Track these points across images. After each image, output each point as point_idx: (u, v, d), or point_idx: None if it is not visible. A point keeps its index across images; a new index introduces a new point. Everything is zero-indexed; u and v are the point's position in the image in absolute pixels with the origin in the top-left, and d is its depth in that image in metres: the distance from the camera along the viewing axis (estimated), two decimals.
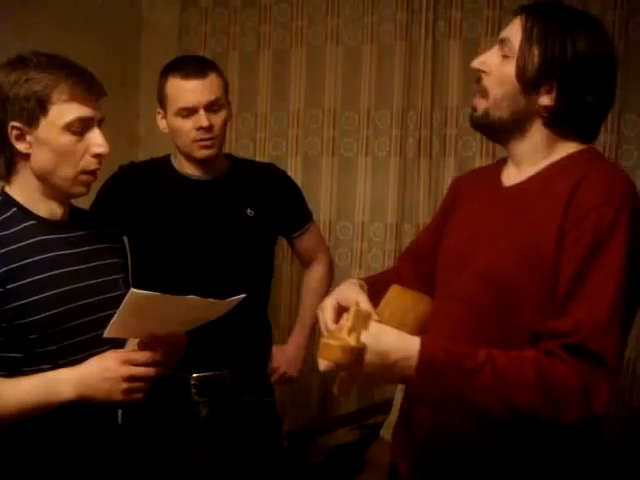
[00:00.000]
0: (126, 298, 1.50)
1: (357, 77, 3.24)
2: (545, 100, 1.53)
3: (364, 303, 1.61)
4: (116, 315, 1.55)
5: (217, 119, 2.31)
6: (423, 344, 1.38)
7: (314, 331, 2.61)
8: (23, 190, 1.72)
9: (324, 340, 1.34)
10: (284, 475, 2.67)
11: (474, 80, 1.64)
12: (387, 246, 3.22)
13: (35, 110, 1.63)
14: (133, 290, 1.49)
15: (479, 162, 2.99)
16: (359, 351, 1.32)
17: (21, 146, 1.67)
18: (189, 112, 2.27)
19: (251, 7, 3.38)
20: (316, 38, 3.29)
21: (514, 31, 1.56)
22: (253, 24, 3.38)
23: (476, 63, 1.61)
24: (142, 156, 3.38)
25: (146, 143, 3.50)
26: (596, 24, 1.58)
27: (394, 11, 3.14)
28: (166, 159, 2.46)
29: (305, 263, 2.70)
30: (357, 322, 1.34)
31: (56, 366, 1.66)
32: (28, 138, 1.66)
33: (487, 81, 1.58)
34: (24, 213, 1.71)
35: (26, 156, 1.68)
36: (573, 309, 1.39)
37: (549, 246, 1.45)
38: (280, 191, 2.52)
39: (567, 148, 1.58)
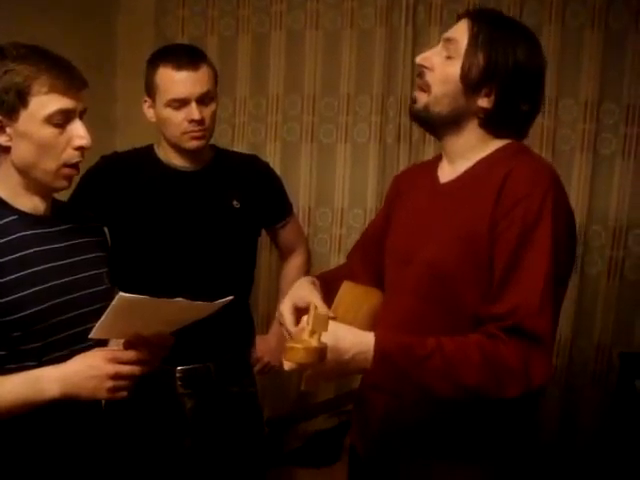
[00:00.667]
0: (114, 301, 1.48)
1: (337, 62, 3.22)
2: (484, 102, 1.65)
3: (318, 303, 1.73)
4: (103, 317, 1.53)
5: (208, 111, 2.29)
6: (377, 339, 1.50)
7: None
8: (4, 184, 1.70)
9: (289, 344, 1.45)
10: (265, 461, 2.68)
11: (416, 74, 1.74)
12: None
13: (15, 102, 1.61)
14: (121, 294, 1.47)
15: None
16: (321, 351, 1.44)
17: (1, 139, 1.64)
18: (180, 104, 2.24)
19: None
20: (296, 22, 3.25)
21: (460, 34, 1.66)
22: (232, 8, 3.33)
23: (420, 59, 1.71)
24: (120, 142, 3.34)
25: (123, 128, 3.46)
26: (534, 38, 1.70)
27: None
28: (149, 149, 2.43)
29: (285, 254, 2.71)
30: (317, 324, 1.44)
31: (40, 363, 1.65)
32: (8, 130, 1.64)
33: (430, 77, 1.68)
34: (6, 208, 1.69)
35: (6, 149, 1.66)
36: (508, 294, 1.53)
37: (483, 236, 1.58)
38: (264, 183, 2.52)
39: (497, 144, 1.69)
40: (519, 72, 1.63)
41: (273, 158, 3.29)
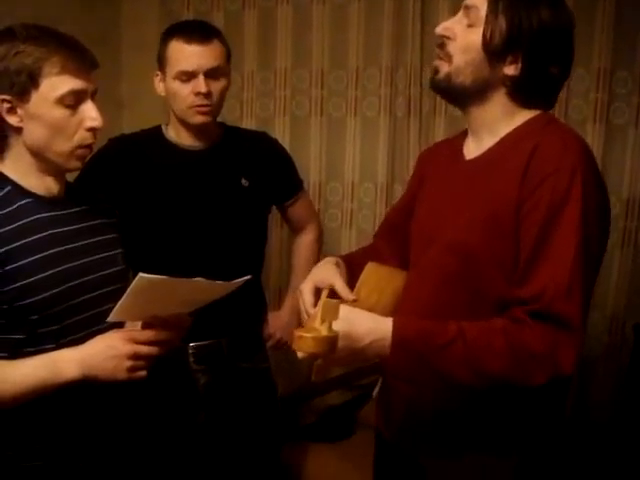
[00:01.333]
0: (134, 282, 1.48)
1: (345, 36, 3.18)
2: (510, 70, 1.57)
3: (339, 285, 1.71)
4: (122, 299, 1.53)
5: (216, 86, 2.28)
6: (395, 325, 1.46)
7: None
8: (17, 166, 1.69)
9: (297, 333, 1.41)
10: (280, 436, 2.69)
11: (437, 44, 1.65)
12: (377, 207, 3.21)
13: (26, 83, 1.60)
14: (141, 274, 1.46)
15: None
16: (331, 340, 1.39)
17: (12, 120, 1.63)
18: (188, 76, 2.24)
19: None
20: None
21: (480, 0, 1.58)
22: None
23: (440, 29, 1.62)
24: (127, 119, 3.33)
25: (130, 106, 3.44)
26: None
27: None
28: (157, 129, 2.43)
29: (296, 230, 2.71)
30: (326, 312, 1.39)
31: (59, 345, 1.66)
32: (19, 112, 1.63)
33: (452, 47, 1.60)
34: (19, 191, 1.68)
35: (18, 130, 1.65)
36: (535, 276, 1.46)
37: (509, 215, 1.51)
38: (273, 160, 2.51)
39: (524, 116, 1.61)
40: (545, 34, 1.54)
41: (282, 133, 3.27)
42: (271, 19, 3.27)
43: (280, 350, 2.67)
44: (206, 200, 2.35)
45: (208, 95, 2.25)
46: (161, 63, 2.31)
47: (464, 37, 1.58)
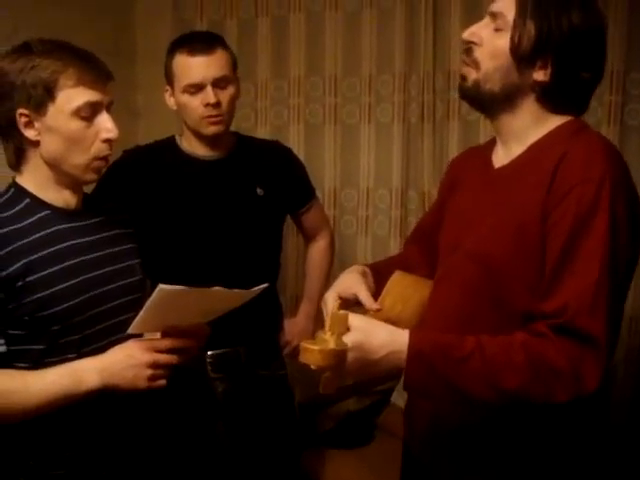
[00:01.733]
0: (154, 294, 1.49)
1: (357, 43, 3.19)
2: (540, 75, 1.51)
3: (363, 294, 1.68)
4: (142, 312, 1.55)
5: (225, 95, 2.29)
6: (411, 337, 1.41)
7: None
8: (35, 179, 1.71)
9: (303, 344, 1.36)
10: (298, 443, 2.70)
11: (463, 50, 1.61)
12: (393, 213, 3.21)
13: (43, 97, 1.62)
14: (162, 286, 1.48)
15: (483, 126, 2.96)
16: (339, 353, 1.34)
17: (30, 133, 1.65)
18: (196, 89, 2.26)
19: None
20: (315, 4, 3.22)
21: (507, 4, 1.53)
22: None
23: (467, 34, 1.58)
24: (142, 129, 3.35)
25: (146, 115, 3.45)
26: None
27: None
28: (171, 140, 2.44)
29: (309, 238, 2.73)
30: (334, 324, 1.35)
31: (80, 355, 1.68)
32: (36, 125, 1.64)
33: (479, 53, 1.55)
34: (38, 203, 1.70)
35: (36, 143, 1.67)
36: (559, 289, 1.40)
37: (535, 226, 1.46)
38: (288, 169, 2.53)
39: (554, 122, 1.56)
40: (576, 37, 1.48)
41: (297, 141, 3.28)
42: (284, 27, 3.28)
43: (296, 357, 2.67)
44: (222, 209, 2.36)
45: (217, 105, 2.26)
46: (169, 78, 2.33)
47: (491, 42, 1.54)
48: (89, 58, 1.68)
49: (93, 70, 1.67)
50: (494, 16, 1.55)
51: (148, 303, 1.52)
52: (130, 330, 1.60)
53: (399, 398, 3.01)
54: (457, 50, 2.99)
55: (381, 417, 3.09)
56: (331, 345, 1.33)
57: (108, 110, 1.71)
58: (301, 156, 3.16)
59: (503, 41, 1.52)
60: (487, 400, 1.41)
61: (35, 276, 1.62)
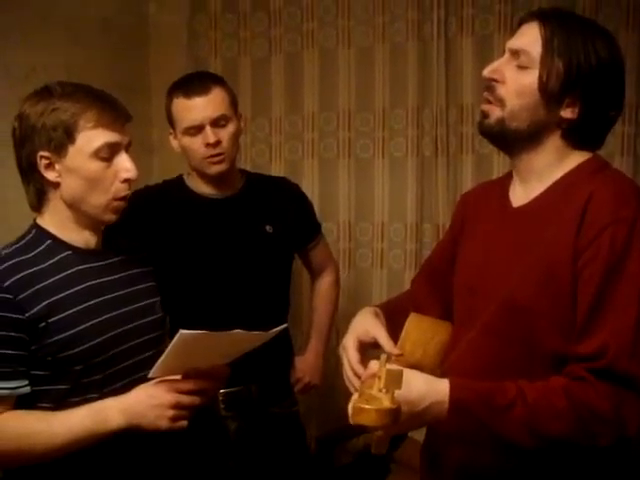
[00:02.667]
0: (175, 339, 1.51)
1: (370, 78, 3.22)
2: (567, 113, 1.50)
3: (383, 338, 1.64)
4: (163, 356, 1.56)
5: (224, 134, 2.30)
6: (452, 386, 1.39)
7: (330, 340, 2.76)
8: (55, 220, 1.73)
9: (359, 405, 1.29)
10: (314, 477, 2.69)
11: (484, 88, 1.58)
12: (408, 246, 3.21)
13: (63, 139, 1.65)
14: (182, 331, 1.49)
15: (497, 159, 2.98)
16: (395, 412, 1.29)
17: (50, 175, 1.68)
18: (196, 130, 2.28)
19: (261, 11, 3.35)
20: (327, 40, 3.26)
21: (531, 41, 1.51)
22: (263, 28, 3.35)
23: (488, 72, 1.56)
24: (157, 165, 3.38)
25: (160, 151, 3.48)
26: (607, 32, 1.54)
27: (405, 10, 3.11)
28: (179, 180, 2.46)
29: (316, 273, 2.73)
30: (390, 382, 1.30)
31: (102, 394, 1.69)
32: (57, 167, 1.67)
33: (504, 91, 1.52)
34: (59, 244, 1.73)
35: (56, 185, 1.69)
36: (596, 331, 1.38)
37: (565, 267, 1.43)
38: (296, 205, 2.54)
39: (575, 159, 1.54)
40: (604, 72, 1.48)
41: (311, 175, 3.31)
42: (297, 63, 3.32)
43: (308, 393, 2.67)
44: (232, 248, 2.37)
45: (218, 144, 2.28)
46: (170, 122, 2.36)
47: (516, 80, 1.51)
48: (108, 100, 1.71)
49: (112, 111, 1.69)
50: (516, 53, 1.52)
51: (169, 348, 1.54)
52: (152, 374, 1.62)
53: (417, 432, 2.99)
54: (470, 84, 3.05)
55: (399, 451, 3.07)
56: (386, 403, 1.28)
57: (127, 150, 1.73)
58: (315, 190, 3.21)
59: (530, 79, 1.49)
60: (530, 446, 1.39)
61: (57, 317, 1.64)
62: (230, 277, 2.38)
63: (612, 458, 1.46)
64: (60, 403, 1.66)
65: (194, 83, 2.31)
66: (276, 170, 3.29)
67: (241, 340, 1.65)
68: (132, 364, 1.77)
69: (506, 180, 1.69)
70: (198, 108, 2.27)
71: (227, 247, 2.37)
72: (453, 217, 1.90)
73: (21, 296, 1.61)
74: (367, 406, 1.27)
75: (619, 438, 1.36)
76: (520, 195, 1.61)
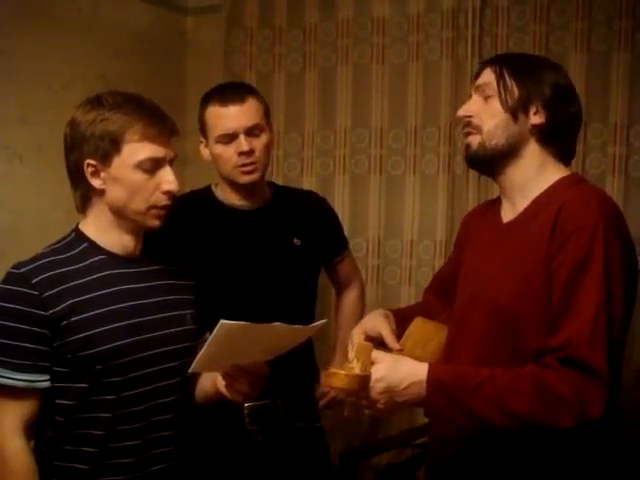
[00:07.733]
0: (215, 330, 1.53)
1: (403, 95, 3.23)
2: (536, 119, 1.73)
3: (387, 334, 1.88)
4: (203, 349, 1.58)
5: (258, 143, 2.31)
6: (430, 368, 1.60)
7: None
8: (97, 224, 1.78)
9: (333, 370, 1.57)
10: None
11: (461, 127, 1.86)
12: (436, 263, 3.19)
13: (109, 149, 1.69)
14: (223, 321, 1.51)
15: None
16: (362, 378, 1.52)
17: (96, 182, 1.72)
18: (229, 138, 2.29)
19: (296, 27, 3.38)
20: (362, 57, 3.28)
21: (488, 77, 1.76)
22: (298, 44, 3.38)
23: (462, 112, 1.80)
24: (191, 176, 3.40)
25: (194, 162, 3.51)
26: (558, 65, 1.82)
27: (440, 29, 3.12)
28: (208, 190, 2.48)
29: (342, 287, 2.74)
30: (360, 353, 1.53)
31: (120, 397, 1.72)
32: (102, 175, 1.72)
33: (477, 120, 1.76)
34: (94, 248, 1.77)
35: (101, 192, 1.74)
36: (563, 326, 1.57)
37: (541, 274, 1.63)
38: (324, 219, 2.55)
39: (555, 174, 1.74)
40: (555, 85, 1.73)
41: (342, 191, 3.32)
42: (331, 79, 3.34)
43: (333, 408, 2.67)
44: (259, 260, 2.38)
45: (251, 153, 2.29)
46: (202, 130, 2.37)
47: (485, 109, 1.75)
48: (156, 113, 1.75)
49: (158, 126, 1.73)
50: (480, 89, 1.77)
51: (210, 339, 1.55)
52: (192, 369, 1.65)
53: None
54: None
55: (421, 471, 3.05)
56: (356, 370, 1.51)
57: (171, 164, 1.77)
58: (346, 206, 3.22)
59: (495, 103, 1.74)
60: (503, 425, 1.57)
61: (80, 316, 1.68)
62: (257, 289, 2.38)
63: (584, 440, 1.64)
64: (79, 401, 1.70)
65: (230, 92, 2.33)
66: (307, 185, 3.29)
67: (281, 334, 1.65)
68: (154, 372, 1.78)
69: (499, 200, 1.89)
70: (233, 116, 2.28)
71: (254, 259, 2.38)
72: (457, 235, 2.13)
73: (47, 294, 1.66)
74: (338, 370, 1.53)
75: (581, 420, 1.52)
76: (508, 212, 1.81)
